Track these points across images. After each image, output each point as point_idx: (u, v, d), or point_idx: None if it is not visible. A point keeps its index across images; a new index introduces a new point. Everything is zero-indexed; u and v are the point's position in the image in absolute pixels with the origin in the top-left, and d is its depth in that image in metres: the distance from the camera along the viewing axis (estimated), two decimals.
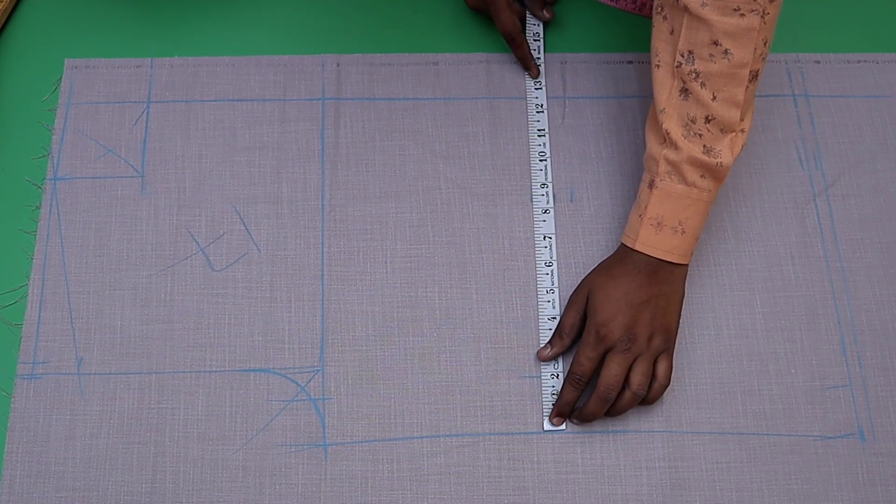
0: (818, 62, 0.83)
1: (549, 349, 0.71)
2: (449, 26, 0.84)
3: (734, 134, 0.66)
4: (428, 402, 0.71)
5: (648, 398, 0.69)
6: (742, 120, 0.66)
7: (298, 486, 0.68)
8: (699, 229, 0.69)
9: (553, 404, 0.70)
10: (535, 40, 0.81)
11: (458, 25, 0.84)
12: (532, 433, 0.70)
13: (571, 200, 0.77)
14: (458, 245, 0.75)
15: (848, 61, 0.83)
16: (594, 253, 0.75)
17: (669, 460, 0.70)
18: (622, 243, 0.70)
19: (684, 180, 0.67)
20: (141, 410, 0.70)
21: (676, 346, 0.72)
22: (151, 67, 0.81)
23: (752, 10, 0.62)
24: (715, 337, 0.73)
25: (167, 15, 0.84)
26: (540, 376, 0.71)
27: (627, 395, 0.68)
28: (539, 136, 0.78)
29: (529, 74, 0.80)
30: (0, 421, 0.69)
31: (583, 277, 0.72)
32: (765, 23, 0.63)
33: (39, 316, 0.72)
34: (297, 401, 0.71)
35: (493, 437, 0.70)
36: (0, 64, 0.81)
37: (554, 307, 0.73)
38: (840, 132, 0.80)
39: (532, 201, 0.77)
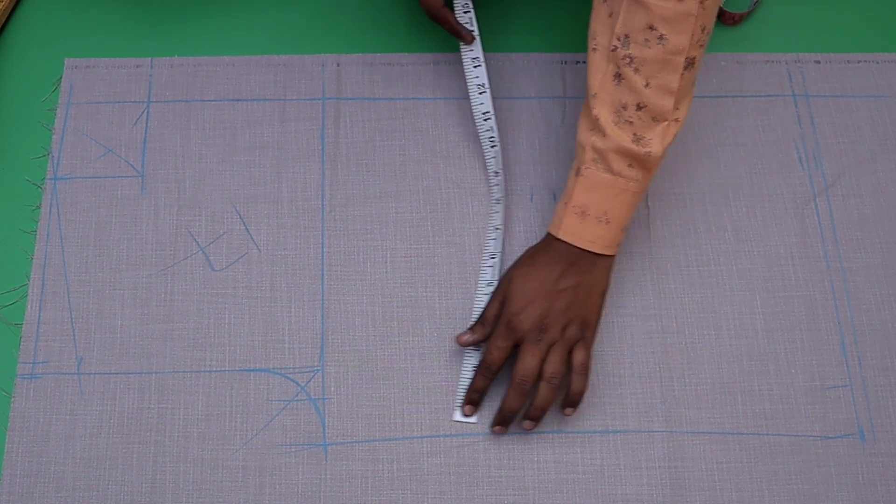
0: (818, 62, 0.83)
1: (468, 335, 0.69)
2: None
3: (666, 123, 0.65)
4: (428, 402, 0.71)
5: (572, 391, 0.68)
6: (676, 109, 0.65)
7: (298, 486, 0.68)
8: (625, 220, 0.67)
9: (465, 394, 0.70)
10: (464, 12, 0.76)
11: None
12: (532, 433, 0.70)
13: None
14: (458, 245, 0.75)
15: (848, 61, 0.83)
16: None
17: (669, 460, 0.70)
18: (547, 231, 0.69)
19: (610, 169, 0.65)
20: (141, 410, 0.70)
21: (677, 345, 0.72)
22: (151, 67, 0.81)
23: None
24: (715, 337, 0.73)
25: (167, 15, 0.84)
26: (461, 367, 0.71)
27: (542, 385, 0.67)
28: (485, 119, 0.76)
29: (463, 41, 0.75)
30: (0, 421, 0.69)
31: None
32: (703, 9, 0.61)
33: (39, 316, 0.72)
34: (297, 401, 0.71)
35: (492, 436, 0.70)
36: (0, 64, 0.81)
37: None
38: (840, 132, 0.80)
39: (490, 191, 0.76)
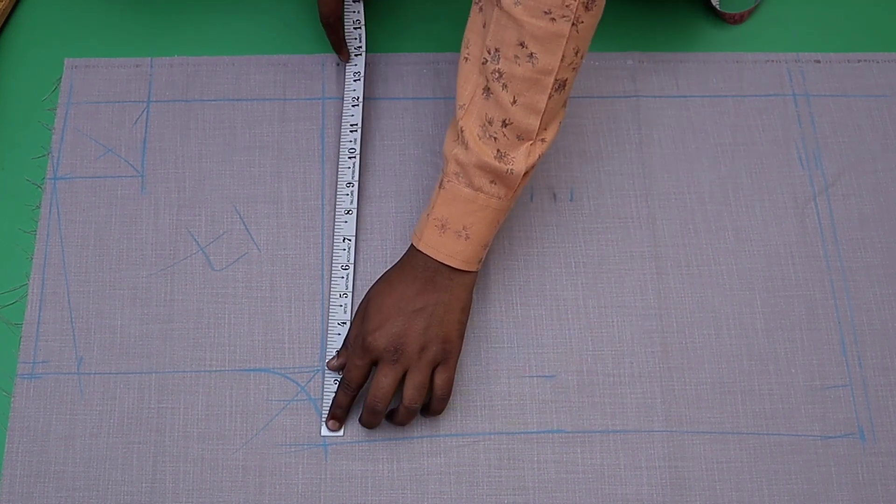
0: (818, 62, 0.83)
1: (335, 360, 0.70)
2: (448, 26, 0.84)
3: (531, 143, 0.63)
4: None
5: (431, 410, 0.68)
6: (543, 129, 0.63)
7: (298, 486, 0.68)
8: (486, 237, 0.65)
9: (329, 409, 0.69)
10: (355, 28, 0.77)
11: (458, 25, 0.84)
12: (532, 433, 0.70)
13: (571, 200, 0.77)
14: None
15: (848, 61, 0.83)
16: (593, 252, 0.75)
17: (669, 460, 0.70)
18: (411, 242, 0.67)
19: (472, 184, 0.63)
20: (141, 410, 0.70)
21: (677, 345, 0.72)
22: (151, 67, 0.81)
23: (564, 17, 0.59)
24: (715, 336, 0.73)
25: (167, 15, 0.84)
26: (324, 384, 0.70)
27: (401, 409, 0.66)
28: (351, 131, 0.76)
29: (340, 57, 0.78)
30: (0, 421, 0.69)
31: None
32: (577, 32, 0.60)
33: (39, 315, 0.72)
34: (297, 400, 0.71)
35: (492, 436, 0.70)
36: (0, 64, 0.81)
37: (346, 311, 0.72)
38: (840, 132, 0.80)
39: (336, 201, 0.75)
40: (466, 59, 0.64)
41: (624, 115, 0.80)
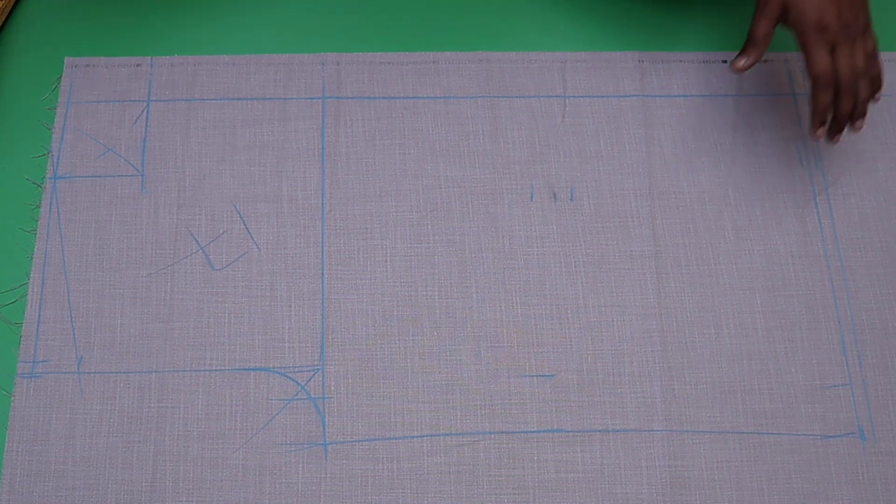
0: None
1: (744, 59, 0.72)
2: (449, 25, 0.84)
3: None
4: (428, 401, 0.71)
5: (874, 76, 0.71)
6: None
7: (298, 486, 0.68)
8: None
9: (811, 116, 0.71)
10: None
11: (458, 24, 0.84)
12: (532, 432, 0.70)
13: (571, 200, 0.77)
14: (458, 244, 0.75)
15: None
16: (594, 252, 0.75)
17: (669, 460, 0.70)
18: None
19: None
20: (141, 409, 0.70)
21: (677, 345, 0.73)
22: (151, 66, 0.81)
23: None
24: (715, 336, 0.73)
25: (167, 14, 0.84)
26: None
27: (862, 83, 0.70)
28: None
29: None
30: (0, 420, 0.69)
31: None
32: None
33: (39, 315, 0.72)
34: (297, 400, 0.71)
35: (493, 436, 0.70)
36: (0, 63, 0.81)
37: None
38: None
39: None
40: None
41: (624, 114, 0.80)
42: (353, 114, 0.80)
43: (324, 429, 0.70)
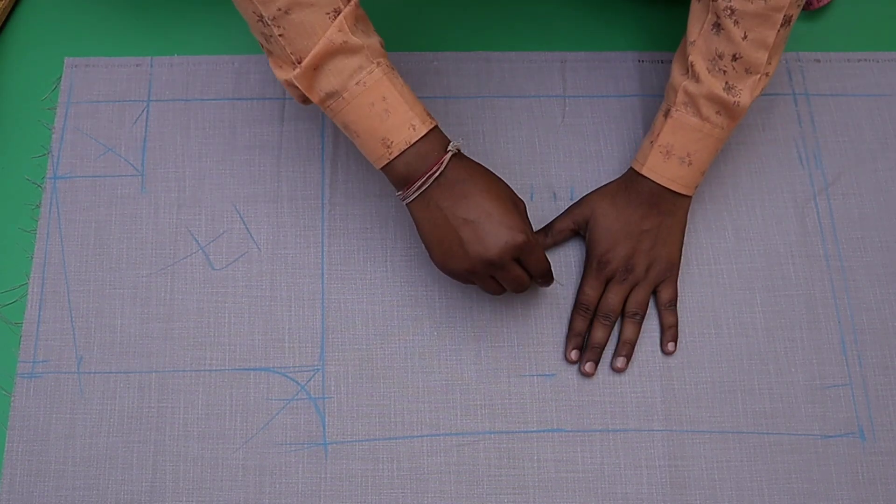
0: (818, 61, 0.83)
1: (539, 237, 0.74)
2: (449, 25, 0.84)
3: (758, 76, 0.67)
4: (428, 400, 0.71)
5: (665, 325, 0.72)
6: (769, 63, 0.67)
7: (298, 485, 0.68)
8: (706, 164, 0.70)
9: (566, 337, 0.72)
10: None
11: (458, 24, 0.84)
12: (532, 432, 0.70)
13: (571, 199, 0.77)
14: None
15: (848, 60, 0.83)
16: None
17: (669, 459, 0.70)
18: (630, 167, 0.72)
19: (699, 114, 0.68)
20: (141, 409, 0.70)
21: (678, 344, 0.72)
22: (151, 66, 0.81)
23: None
24: (715, 336, 0.73)
25: (167, 15, 0.84)
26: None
27: (626, 322, 0.71)
28: None
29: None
30: (0, 420, 0.69)
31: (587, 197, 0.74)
32: None
33: (39, 315, 0.72)
34: (297, 400, 0.71)
35: (492, 435, 0.70)
36: (0, 63, 0.81)
37: None
38: (840, 131, 0.80)
39: None
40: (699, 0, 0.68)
41: (624, 114, 0.80)
42: None
43: (324, 429, 0.70)
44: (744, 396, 0.71)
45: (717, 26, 0.66)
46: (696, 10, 0.68)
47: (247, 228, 0.75)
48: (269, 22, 0.59)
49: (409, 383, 0.71)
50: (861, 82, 0.82)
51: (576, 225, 0.73)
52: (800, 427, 0.71)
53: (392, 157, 0.62)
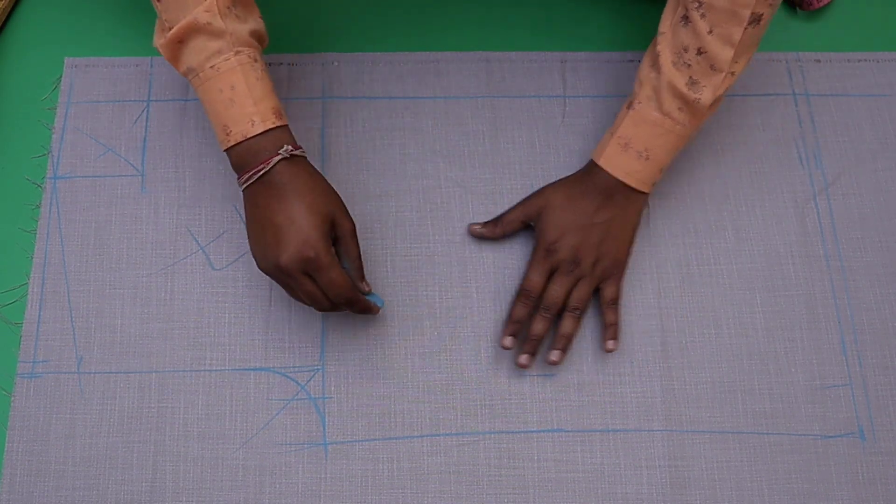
0: (818, 61, 0.83)
1: (481, 227, 0.74)
2: (449, 25, 0.84)
3: (723, 75, 0.66)
4: (428, 401, 0.71)
5: (606, 323, 0.71)
6: (735, 62, 0.66)
7: (298, 485, 0.68)
8: (664, 161, 0.69)
9: (504, 322, 0.72)
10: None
11: (459, 24, 0.84)
12: (532, 432, 0.70)
13: None
14: (458, 245, 0.75)
15: (848, 60, 0.83)
16: None
17: (669, 459, 0.70)
18: (590, 158, 0.72)
19: (661, 108, 0.67)
20: (141, 409, 0.70)
21: (677, 345, 0.72)
22: (151, 66, 0.81)
23: None
24: (715, 336, 0.73)
25: None
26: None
27: (565, 315, 0.70)
28: None
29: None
30: (0, 420, 0.69)
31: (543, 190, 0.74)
32: None
33: (39, 315, 0.72)
34: (297, 400, 0.71)
35: (493, 435, 0.70)
36: (0, 63, 0.81)
37: None
38: (840, 131, 0.80)
39: None
40: None
41: None
42: (354, 114, 0.80)
43: (324, 429, 0.70)
44: (744, 396, 0.71)
45: (686, 19, 0.66)
46: (670, 2, 0.68)
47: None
48: None
49: (410, 384, 0.71)
50: (861, 82, 0.82)
51: (526, 217, 0.73)
52: (800, 427, 0.71)
53: (229, 145, 0.64)
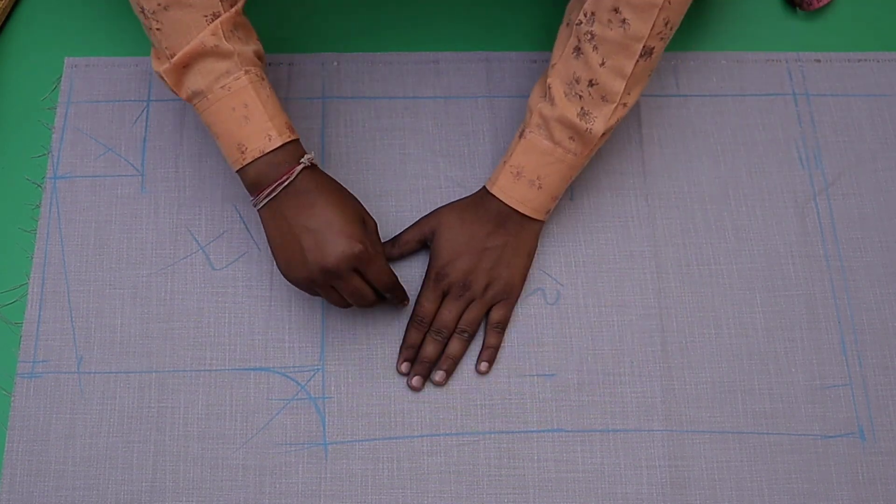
0: (818, 61, 0.83)
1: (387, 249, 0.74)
2: (449, 25, 0.84)
3: (614, 106, 0.66)
4: (428, 400, 0.71)
5: (485, 345, 0.71)
6: (627, 93, 0.66)
7: (298, 485, 0.68)
8: (558, 190, 0.69)
9: (399, 349, 0.71)
10: None
11: (458, 24, 0.84)
12: (532, 432, 0.70)
13: (571, 199, 0.77)
14: None
15: (848, 60, 0.83)
16: (594, 252, 0.75)
17: (669, 459, 0.70)
18: (483, 185, 0.72)
19: (552, 137, 0.67)
20: (141, 409, 0.70)
21: (677, 345, 0.72)
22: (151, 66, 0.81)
23: None
24: (715, 336, 0.73)
25: None
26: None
27: (453, 337, 0.70)
28: None
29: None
30: (0, 420, 0.69)
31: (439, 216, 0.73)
32: (669, 3, 0.63)
33: (39, 315, 0.72)
34: (297, 400, 0.71)
35: (493, 435, 0.70)
36: (0, 63, 0.81)
37: None
38: (840, 131, 0.80)
39: None
40: (567, 24, 0.68)
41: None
42: (354, 114, 0.80)
43: (324, 429, 0.70)
44: (744, 396, 0.71)
45: (578, 50, 0.66)
46: (561, 33, 0.68)
47: (247, 228, 0.75)
48: (150, 15, 0.62)
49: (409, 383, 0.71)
50: (861, 82, 0.82)
51: (422, 236, 0.72)
52: (800, 427, 0.71)
53: (245, 163, 0.63)
